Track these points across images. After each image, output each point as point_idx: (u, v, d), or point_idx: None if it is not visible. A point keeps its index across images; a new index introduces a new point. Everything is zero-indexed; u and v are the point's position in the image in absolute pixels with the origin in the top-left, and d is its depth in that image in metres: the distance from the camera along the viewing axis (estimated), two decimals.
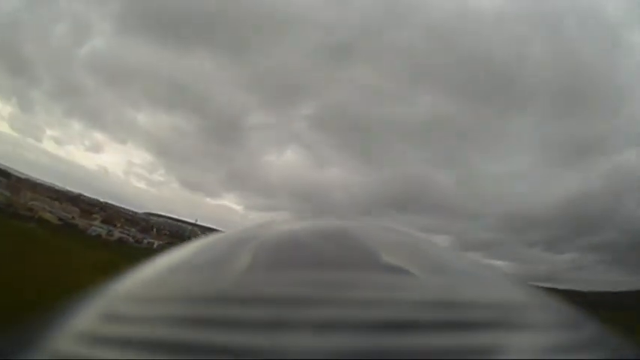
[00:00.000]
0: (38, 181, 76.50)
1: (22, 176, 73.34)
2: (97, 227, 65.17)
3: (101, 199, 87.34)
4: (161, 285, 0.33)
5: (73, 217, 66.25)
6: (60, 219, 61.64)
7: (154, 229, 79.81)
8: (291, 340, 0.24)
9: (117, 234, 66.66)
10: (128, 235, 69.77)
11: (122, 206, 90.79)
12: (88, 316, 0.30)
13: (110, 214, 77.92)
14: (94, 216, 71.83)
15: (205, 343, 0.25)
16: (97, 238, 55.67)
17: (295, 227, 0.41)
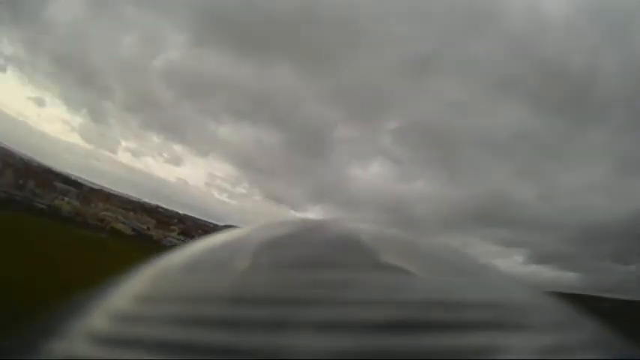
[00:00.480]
0: (112, 192, 74.63)
1: (96, 187, 71.99)
2: (172, 239, 59.26)
3: (180, 212, 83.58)
4: (161, 285, 0.33)
5: (148, 228, 61.38)
6: (133, 230, 56.62)
7: None
8: (293, 340, 0.24)
9: None
10: None
11: (202, 218, 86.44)
12: (92, 315, 0.30)
13: (189, 226, 72.44)
14: (172, 227, 66.68)
15: (209, 342, 0.25)
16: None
17: (298, 227, 0.41)
